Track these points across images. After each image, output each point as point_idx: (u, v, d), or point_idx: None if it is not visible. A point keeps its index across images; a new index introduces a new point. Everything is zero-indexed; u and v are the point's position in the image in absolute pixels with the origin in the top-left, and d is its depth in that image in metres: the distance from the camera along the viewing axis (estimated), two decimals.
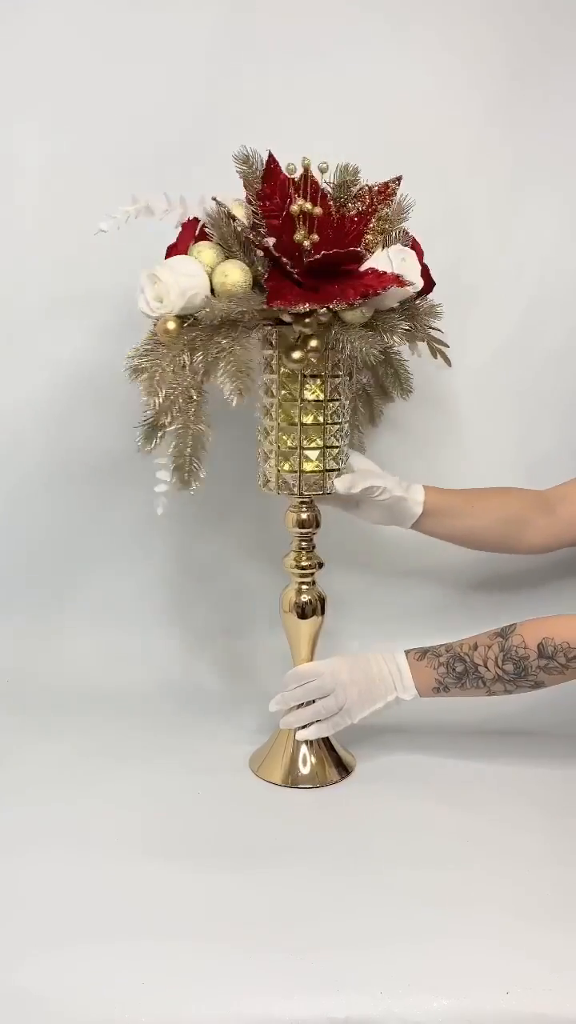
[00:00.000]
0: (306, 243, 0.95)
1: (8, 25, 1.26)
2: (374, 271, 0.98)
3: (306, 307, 0.94)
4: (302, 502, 1.11)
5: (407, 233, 1.05)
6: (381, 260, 0.99)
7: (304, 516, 1.11)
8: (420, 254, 1.05)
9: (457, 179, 1.30)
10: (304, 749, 1.13)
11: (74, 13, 1.26)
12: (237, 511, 1.39)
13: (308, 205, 0.95)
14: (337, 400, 1.06)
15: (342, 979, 0.80)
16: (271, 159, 0.99)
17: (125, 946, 0.83)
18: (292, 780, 1.11)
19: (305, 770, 1.12)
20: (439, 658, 1.08)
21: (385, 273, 0.98)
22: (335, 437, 1.07)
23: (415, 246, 1.05)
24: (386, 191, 1.02)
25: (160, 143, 1.27)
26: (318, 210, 0.96)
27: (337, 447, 1.08)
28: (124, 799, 1.07)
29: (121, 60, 1.27)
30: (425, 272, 1.05)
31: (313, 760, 1.13)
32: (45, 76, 1.27)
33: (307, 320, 0.96)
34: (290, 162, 0.98)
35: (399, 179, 1.02)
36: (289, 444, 1.06)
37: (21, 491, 1.38)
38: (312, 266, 0.95)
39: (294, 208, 0.95)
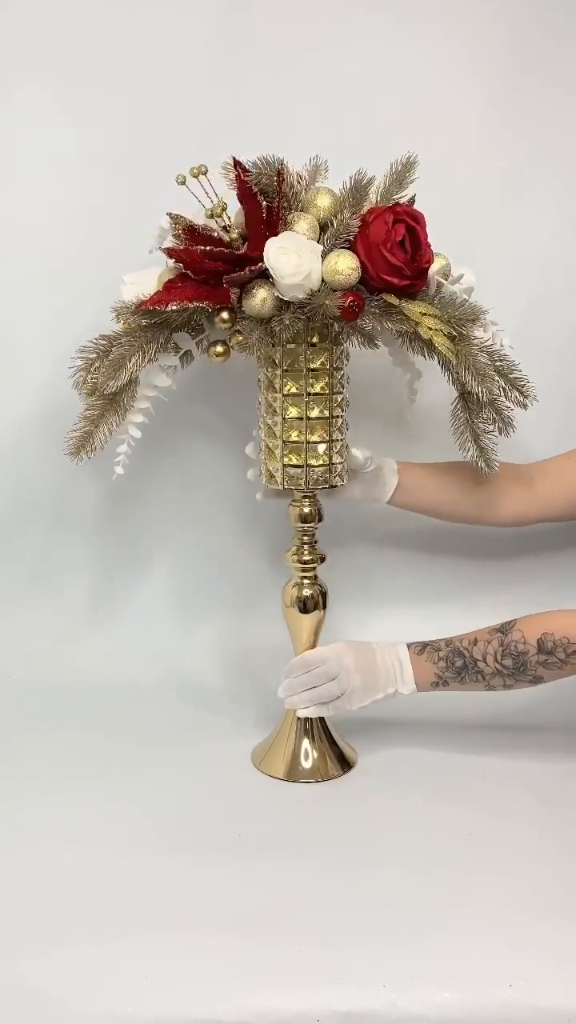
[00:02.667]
0: (236, 241, 0.97)
1: (4, 15, 1.26)
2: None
3: (173, 306, 0.97)
4: (304, 496, 1.11)
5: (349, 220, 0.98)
6: None
7: (306, 511, 1.11)
8: (383, 244, 0.97)
9: (459, 176, 1.30)
10: (306, 744, 1.13)
11: (72, 7, 1.26)
12: (238, 506, 1.39)
13: (213, 205, 0.97)
14: (340, 394, 1.07)
15: (345, 972, 0.80)
16: (236, 163, 0.99)
17: (127, 940, 0.84)
18: (293, 774, 1.11)
19: (307, 764, 1.12)
20: (438, 652, 1.08)
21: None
22: (337, 430, 1.07)
23: (361, 238, 0.98)
24: (279, 177, 0.97)
25: (160, 138, 1.27)
26: (219, 208, 0.97)
27: (340, 440, 1.08)
28: (126, 793, 1.07)
29: (121, 55, 1.27)
30: (376, 260, 0.97)
31: (315, 754, 1.13)
32: (44, 68, 1.27)
33: (224, 316, 0.98)
34: (192, 168, 0.98)
35: (282, 161, 0.98)
36: (292, 438, 1.06)
37: (21, 486, 1.38)
38: (216, 259, 0.97)
39: (207, 211, 0.98)
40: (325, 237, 0.98)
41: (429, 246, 1.01)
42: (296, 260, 0.95)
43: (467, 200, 1.30)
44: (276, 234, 0.97)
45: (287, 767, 1.12)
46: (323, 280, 0.98)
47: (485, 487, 1.17)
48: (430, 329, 0.97)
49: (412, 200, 1.04)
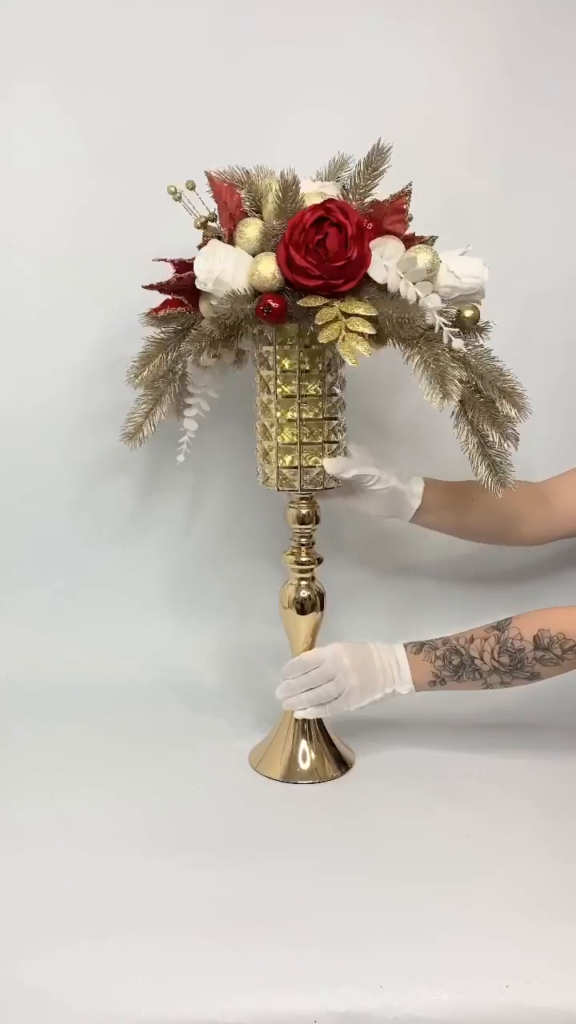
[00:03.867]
0: None
1: (5, 12, 1.26)
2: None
3: (161, 314, 1.06)
4: (302, 498, 1.11)
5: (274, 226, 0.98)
6: None
7: (304, 512, 1.11)
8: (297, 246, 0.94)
9: (454, 175, 1.30)
10: (304, 745, 1.13)
11: (71, 8, 1.26)
12: (237, 507, 1.39)
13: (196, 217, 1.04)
14: (335, 396, 1.06)
15: (342, 973, 0.80)
16: (209, 178, 1.02)
17: (125, 941, 0.84)
18: (291, 775, 1.12)
19: (304, 766, 1.12)
20: (435, 651, 1.08)
21: None
22: (333, 433, 1.07)
23: (282, 239, 0.96)
24: (215, 188, 1.02)
25: (159, 141, 1.27)
26: (201, 221, 1.03)
27: (336, 442, 1.08)
28: (124, 794, 1.07)
29: (120, 57, 1.27)
30: (291, 262, 0.95)
31: (313, 755, 1.13)
32: (44, 68, 1.27)
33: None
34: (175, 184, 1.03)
35: (247, 171, 1.02)
36: (285, 440, 1.06)
37: (20, 486, 1.38)
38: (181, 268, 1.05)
39: (194, 222, 1.04)
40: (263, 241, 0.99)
41: (356, 240, 0.95)
42: (207, 265, 0.97)
43: (464, 198, 1.30)
44: (232, 242, 1.00)
45: (285, 768, 1.12)
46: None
47: (506, 509, 1.16)
48: (348, 331, 0.93)
49: (407, 193, 1.01)
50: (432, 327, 0.96)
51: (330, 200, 0.96)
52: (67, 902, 0.89)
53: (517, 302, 1.33)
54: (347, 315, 0.94)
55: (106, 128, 1.28)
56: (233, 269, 0.98)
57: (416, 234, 1.04)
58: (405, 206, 1.01)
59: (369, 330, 0.93)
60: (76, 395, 1.35)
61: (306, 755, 1.13)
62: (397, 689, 1.09)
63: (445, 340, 0.96)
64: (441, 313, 0.97)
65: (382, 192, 1.01)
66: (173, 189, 1.03)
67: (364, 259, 0.96)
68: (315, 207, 0.95)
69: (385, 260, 0.97)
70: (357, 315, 0.94)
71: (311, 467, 1.06)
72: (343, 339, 0.93)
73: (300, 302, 0.96)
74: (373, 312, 0.95)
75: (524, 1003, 0.78)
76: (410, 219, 1.04)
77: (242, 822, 1.03)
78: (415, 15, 1.27)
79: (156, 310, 1.07)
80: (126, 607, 1.42)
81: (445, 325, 0.96)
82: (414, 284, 0.96)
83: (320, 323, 0.94)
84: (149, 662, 1.38)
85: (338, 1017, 0.77)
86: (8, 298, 1.32)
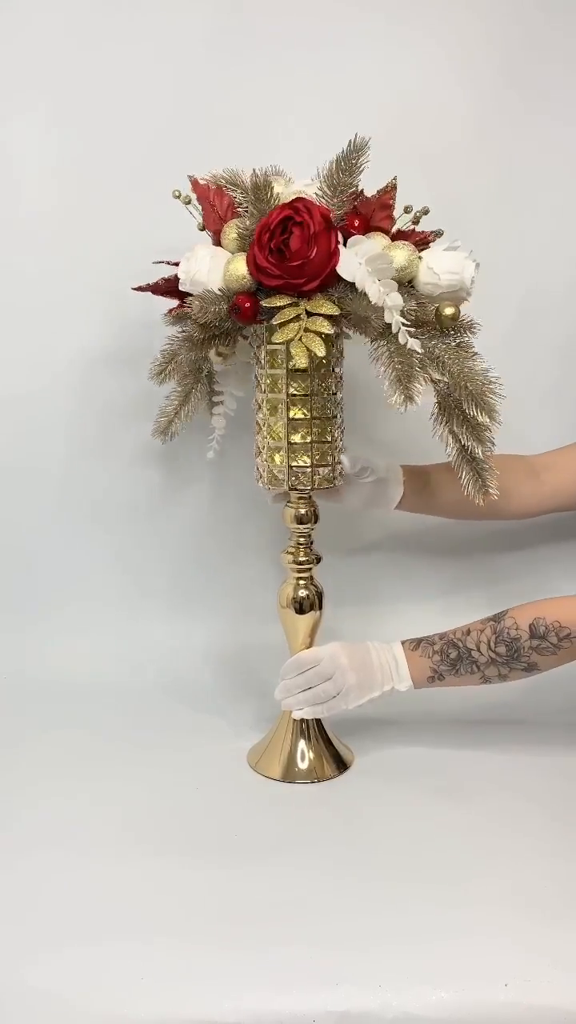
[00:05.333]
0: None
1: (6, 15, 1.26)
2: None
3: (173, 313, 1.09)
4: (300, 497, 1.11)
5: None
6: None
7: (302, 511, 1.11)
8: (264, 254, 0.95)
9: (453, 174, 1.30)
10: (302, 744, 1.13)
11: (69, 11, 1.26)
12: (234, 506, 1.39)
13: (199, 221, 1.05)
14: (328, 395, 1.06)
15: (341, 973, 0.80)
16: (193, 182, 1.04)
17: (125, 941, 0.84)
18: (290, 775, 1.11)
19: (303, 765, 1.12)
20: (432, 646, 1.08)
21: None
22: (328, 431, 1.07)
23: (255, 244, 0.96)
24: (198, 191, 1.04)
25: (158, 141, 1.28)
26: (203, 225, 1.05)
27: (328, 442, 1.07)
28: (122, 795, 1.07)
29: (118, 60, 1.27)
30: (255, 262, 0.96)
31: (311, 755, 1.13)
32: (43, 73, 1.28)
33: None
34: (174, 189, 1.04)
35: (235, 172, 1.01)
36: (275, 439, 1.06)
37: (19, 487, 1.38)
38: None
39: (197, 226, 1.05)
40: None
41: (320, 239, 0.93)
42: (186, 266, 1.00)
43: (463, 197, 1.30)
44: (219, 243, 1.02)
45: (283, 768, 1.12)
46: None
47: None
48: (306, 331, 0.93)
49: (392, 188, 1.00)
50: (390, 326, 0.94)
51: (298, 199, 0.95)
52: (67, 903, 0.89)
53: (517, 302, 1.33)
54: (311, 314, 0.94)
55: (107, 128, 1.29)
56: (208, 269, 0.99)
57: (416, 230, 1.04)
58: (391, 201, 1.01)
59: (328, 330, 0.93)
60: (75, 391, 1.35)
61: (304, 755, 1.13)
62: (396, 686, 1.09)
63: (402, 340, 0.93)
64: (407, 312, 0.94)
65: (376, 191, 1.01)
66: (178, 193, 1.03)
67: (330, 257, 0.95)
68: (283, 207, 0.95)
69: (359, 258, 0.95)
70: (319, 314, 0.94)
71: (301, 467, 1.06)
72: (299, 339, 0.93)
73: (264, 301, 0.96)
74: (336, 311, 0.94)
75: (524, 1002, 0.77)
76: (424, 213, 1.04)
77: (241, 822, 1.02)
78: (412, 17, 1.27)
79: (173, 310, 1.09)
80: (124, 607, 1.41)
81: (404, 324, 0.93)
82: (379, 282, 0.94)
83: (278, 322, 0.94)
84: (147, 662, 1.38)
85: (337, 1016, 0.77)
86: (13, 291, 1.33)
